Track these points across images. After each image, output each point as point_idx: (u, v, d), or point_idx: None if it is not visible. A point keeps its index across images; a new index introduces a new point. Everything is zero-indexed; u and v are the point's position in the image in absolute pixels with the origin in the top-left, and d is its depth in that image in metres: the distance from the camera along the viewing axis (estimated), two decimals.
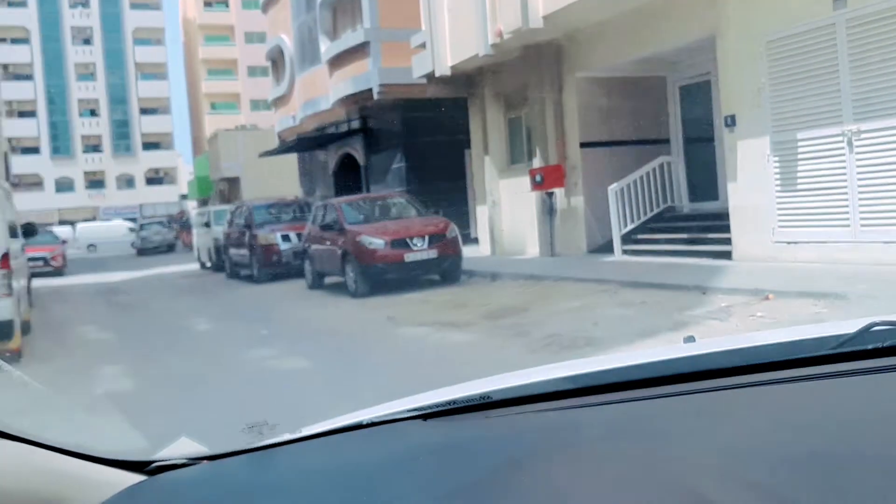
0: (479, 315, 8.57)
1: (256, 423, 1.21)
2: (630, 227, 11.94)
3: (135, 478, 1.08)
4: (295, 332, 8.56)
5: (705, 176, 11.86)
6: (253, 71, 69.73)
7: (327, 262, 12.54)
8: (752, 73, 9.26)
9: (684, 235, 11.17)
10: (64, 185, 72.09)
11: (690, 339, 1.40)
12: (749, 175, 9.48)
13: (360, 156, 21.09)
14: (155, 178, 75.80)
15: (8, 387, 1.38)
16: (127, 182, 74.74)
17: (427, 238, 11.38)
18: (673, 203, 12.46)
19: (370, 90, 18.19)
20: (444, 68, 14.26)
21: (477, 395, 1.17)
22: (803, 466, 0.81)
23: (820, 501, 0.74)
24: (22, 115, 70.18)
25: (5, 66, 65.23)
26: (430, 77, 14.92)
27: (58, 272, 25.03)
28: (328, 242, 12.36)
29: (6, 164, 50.41)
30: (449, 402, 1.17)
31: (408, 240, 11.28)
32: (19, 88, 68.99)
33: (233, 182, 37.44)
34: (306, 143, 22.92)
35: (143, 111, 75.28)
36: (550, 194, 12.78)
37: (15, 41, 69.26)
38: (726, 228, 9.90)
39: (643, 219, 12.06)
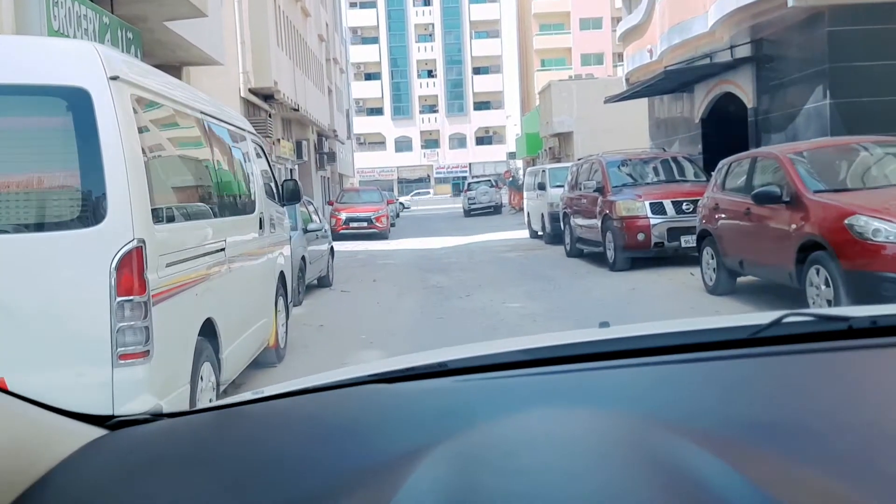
0: None
1: (222, 382, 1.43)
2: None
3: (97, 432, 1.09)
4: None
5: None
6: (585, 23, 65.99)
7: (757, 253, 7.35)
8: None
9: None
10: (403, 145, 74.86)
11: (605, 324, 1.43)
12: None
13: (747, 94, 15.48)
14: (484, 138, 76.01)
15: None
16: (458, 142, 75.76)
17: None
18: None
19: None
20: None
21: (436, 362, 1.23)
22: (736, 426, 0.92)
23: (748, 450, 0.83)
24: (368, 77, 73.80)
25: (354, 30, 68.32)
26: None
27: (381, 234, 23.09)
28: (757, 222, 7.21)
29: (348, 121, 51.77)
30: (408, 369, 1.22)
31: None
32: (366, 51, 72.40)
33: (564, 138, 33.59)
34: (667, 82, 17.73)
35: (476, 70, 75.41)
36: None
37: (363, 5, 72.57)
38: None
39: None
